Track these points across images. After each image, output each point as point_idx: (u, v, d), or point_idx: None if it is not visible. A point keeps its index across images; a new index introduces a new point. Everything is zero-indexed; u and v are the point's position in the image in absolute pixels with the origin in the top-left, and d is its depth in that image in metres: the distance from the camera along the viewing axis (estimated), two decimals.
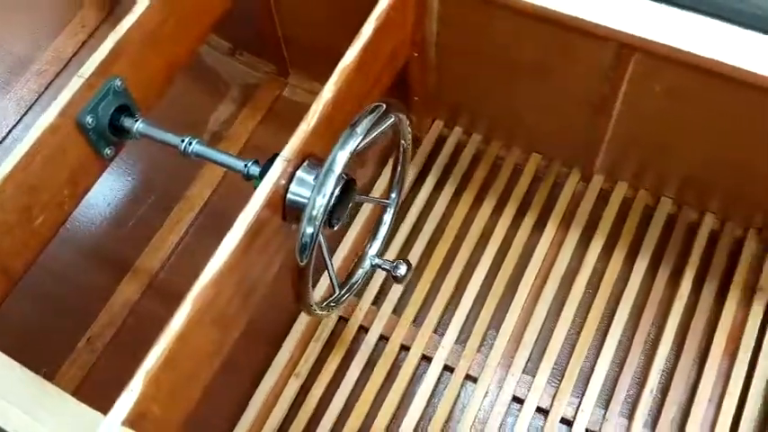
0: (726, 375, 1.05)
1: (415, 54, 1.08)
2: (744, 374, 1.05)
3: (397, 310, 1.15)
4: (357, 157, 0.75)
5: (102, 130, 0.89)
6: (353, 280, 0.91)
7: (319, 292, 1.14)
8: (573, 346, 1.10)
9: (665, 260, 1.15)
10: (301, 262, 0.75)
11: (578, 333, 1.11)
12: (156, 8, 0.91)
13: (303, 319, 1.14)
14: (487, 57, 1.08)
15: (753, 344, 1.07)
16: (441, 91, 1.21)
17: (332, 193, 0.72)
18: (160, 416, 0.70)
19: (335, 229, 0.82)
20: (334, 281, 0.86)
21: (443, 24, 1.05)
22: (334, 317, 1.15)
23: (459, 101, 1.24)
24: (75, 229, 1.23)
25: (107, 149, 0.91)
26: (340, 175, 0.73)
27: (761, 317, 1.08)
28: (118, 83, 0.88)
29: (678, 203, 1.19)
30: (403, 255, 1.20)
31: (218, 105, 1.37)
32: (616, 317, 1.11)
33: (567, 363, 1.08)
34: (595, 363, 1.08)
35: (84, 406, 0.66)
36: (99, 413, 0.65)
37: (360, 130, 0.73)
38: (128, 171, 1.29)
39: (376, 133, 0.81)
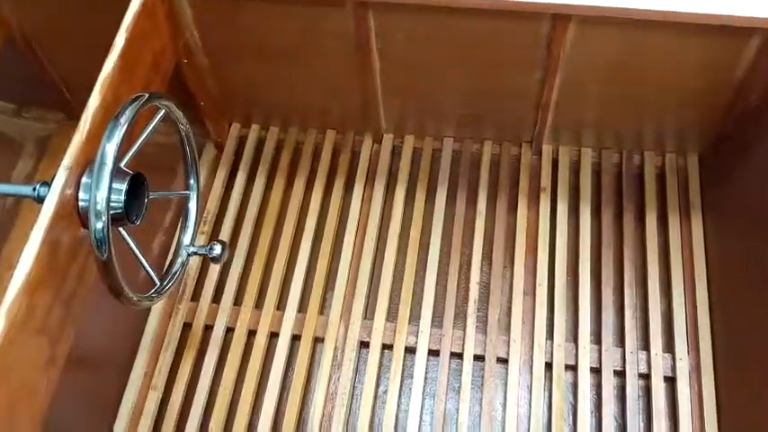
0: (533, 270, 1.20)
1: (185, 60, 1.16)
2: (547, 265, 1.20)
3: (238, 301, 1.21)
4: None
5: None
6: (173, 270, 0.96)
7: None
8: (400, 284, 1.20)
9: (459, 190, 1.29)
10: (102, 256, 0.80)
11: (402, 271, 1.22)
12: None
13: (149, 335, 1.17)
14: (250, 51, 1.17)
15: (548, 237, 1.22)
16: (225, 93, 1.29)
17: (109, 185, 0.77)
18: (3, 429, 0.72)
19: (138, 223, 0.87)
20: (151, 273, 0.91)
21: (202, 28, 1.13)
22: (178, 325, 1.19)
23: (246, 99, 1.33)
24: None
25: None
26: (113, 167, 0.78)
27: (549, 210, 1.24)
28: None
29: (459, 140, 1.34)
30: (230, 248, 1.26)
31: (17, 163, 1.37)
32: (431, 248, 1.23)
33: (399, 299, 1.19)
34: (423, 292, 1.19)
35: None
36: None
37: (123, 119, 0.79)
38: None
39: (151, 127, 0.88)
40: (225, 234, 1.27)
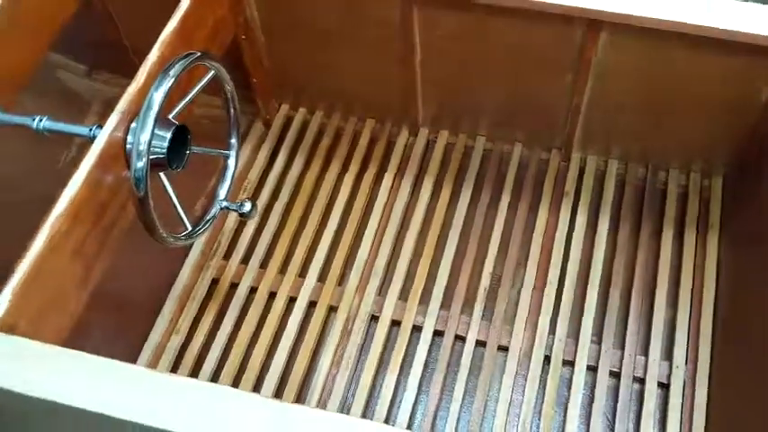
0: (545, 269, 1.24)
1: (243, 37, 1.25)
2: (560, 266, 1.24)
3: (264, 264, 1.29)
4: None
5: None
6: (205, 218, 1.05)
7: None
8: (416, 267, 1.26)
9: (485, 187, 1.34)
10: (139, 193, 0.89)
11: (419, 256, 1.28)
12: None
13: (179, 285, 1.27)
14: (302, 33, 1.26)
15: (564, 240, 1.27)
16: (278, 73, 1.38)
17: (153, 129, 0.86)
18: (30, 333, 0.81)
19: (178, 171, 0.96)
20: (184, 217, 0.99)
21: (260, 7, 1.23)
22: (206, 280, 1.28)
23: (296, 81, 1.42)
24: None
25: None
26: (158, 113, 0.87)
27: (569, 214, 1.29)
28: None
29: (491, 140, 1.39)
30: (263, 218, 1.35)
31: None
32: (449, 238, 1.29)
33: (413, 281, 1.25)
34: (436, 277, 1.25)
35: None
36: None
37: (172, 72, 0.88)
38: None
39: (200, 85, 0.97)
40: (261, 202, 1.36)
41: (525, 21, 1.09)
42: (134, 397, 0.71)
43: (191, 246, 1.30)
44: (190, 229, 1.01)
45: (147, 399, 0.70)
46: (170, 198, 0.98)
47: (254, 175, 1.40)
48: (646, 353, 1.14)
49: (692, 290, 1.19)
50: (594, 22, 1.05)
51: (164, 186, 0.96)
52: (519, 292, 1.22)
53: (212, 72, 0.98)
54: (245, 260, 1.30)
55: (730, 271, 1.17)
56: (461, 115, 1.38)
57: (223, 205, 1.07)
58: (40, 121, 1.00)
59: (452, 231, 1.29)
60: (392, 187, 1.36)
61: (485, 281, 1.23)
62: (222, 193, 1.06)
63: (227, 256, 1.31)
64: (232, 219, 1.34)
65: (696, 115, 1.18)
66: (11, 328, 0.78)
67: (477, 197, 1.33)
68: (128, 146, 0.93)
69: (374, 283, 1.25)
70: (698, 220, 1.25)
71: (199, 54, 0.92)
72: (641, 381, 1.13)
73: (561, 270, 1.23)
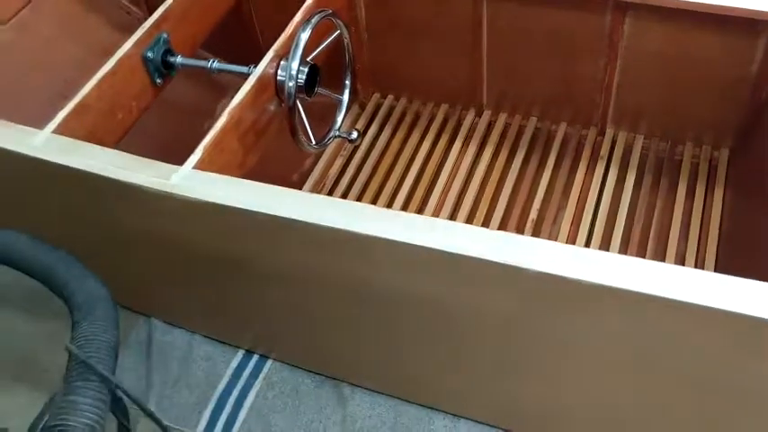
0: (579, 220, 1.55)
1: (353, 28, 1.65)
2: (590, 218, 1.54)
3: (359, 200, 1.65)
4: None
5: (157, 64, 1.41)
6: (325, 139, 1.42)
7: None
8: (474, 214, 1.59)
9: (533, 156, 1.68)
10: (289, 104, 1.27)
11: (477, 207, 1.61)
12: None
13: None
14: (398, 30, 1.65)
15: (596, 196, 1.57)
16: (374, 63, 1.77)
17: (299, 61, 1.25)
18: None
19: (309, 99, 1.34)
20: (310, 133, 1.36)
21: (367, 6, 1.63)
22: None
23: (388, 72, 1.80)
24: None
25: (158, 79, 1.43)
26: (303, 49, 1.25)
27: (603, 171, 1.61)
28: (165, 35, 1.42)
29: (541, 120, 1.73)
30: (358, 169, 1.71)
31: (222, 99, 1.90)
32: (502, 193, 1.61)
33: (472, 223, 1.57)
34: (490, 221, 1.57)
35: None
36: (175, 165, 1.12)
37: (314, 20, 1.27)
38: None
39: (330, 39, 1.36)
40: (356, 161, 1.72)
41: (565, 10, 1.45)
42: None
43: (304, 182, 1.67)
44: (313, 142, 1.38)
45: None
46: (301, 117, 1.35)
47: None
48: None
49: (700, 226, 1.47)
50: (619, 8, 1.40)
51: (298, 109, 1.34)
52: (559, 227, 1.53)
53: (338, 31, 1.37)
54: (344, 196, 1.66)
55: (730, 220, 1.46)
56: (518, 99, 1.73)
57: (337, 133, 1.44)
58: (213, 62, 1.41)
59: (507, 183, 1.62)
60: (459, 152, 1.71)
61: (532, 215, 1.55)
62: (338, 120, 1.43)
63: (331, 192, 1.67)
64: (336, 167, 1.71)
65: (705, 93, 1.50)
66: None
67: (528, 160, 1.67)
68: (279, 76, 1.32)
69: (444, 217, 1.58)
70: (707, 178, 1.55)
71: (330, 11, 1.32)
72: None
73: (593, 212, 1.54)
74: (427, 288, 1.04)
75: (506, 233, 0.92)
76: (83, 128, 1.25)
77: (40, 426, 0.79)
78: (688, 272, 0.85)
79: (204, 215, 1.11)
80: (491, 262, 0.90)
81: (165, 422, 1.36)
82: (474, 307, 1.04)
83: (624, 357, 1.01)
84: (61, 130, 1.21)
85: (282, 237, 1.10)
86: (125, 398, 0.88)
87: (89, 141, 1.19)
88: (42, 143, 1.17)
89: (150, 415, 0.88)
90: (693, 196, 1.53)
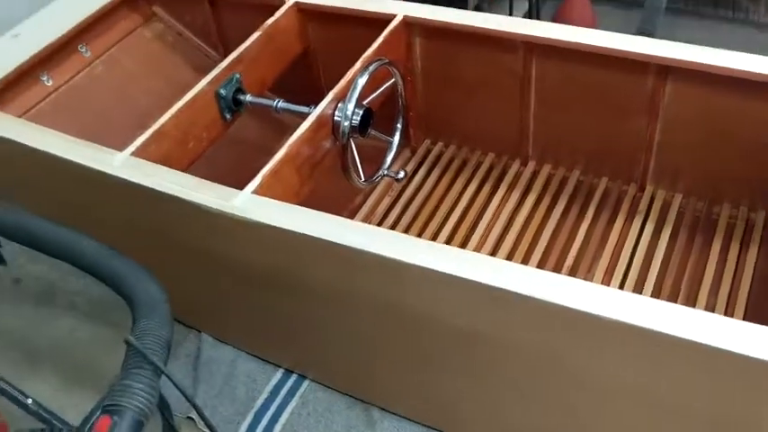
0: (616, 259, 1.60)
1: (408, 78, 1.77)
2: (624, 269, 1.59)
3: None
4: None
5: (228, 101, 1.56)
6: (375, 176, 1.53)
7: None
8: (515, 252, 1.66)
9: (574, 205, 1.74)
10: (342, 141, 1.39)
11: (514, 251, 1.68)
12: (258, 43, 1.62)
13: None
14: (450, 81, 1.76)
15: (631, 248, 1.63)
16: (428, 111, 1.88)
17: (355, 103, 1.37)
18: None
19: (363, 138, 1.45)
20: (360, 170, 1.47)
21: (423, 59, 1.75)
22: None
23: (439, 121, 1.91)
24: None
25: (228, 114, 1.57)
26: (360, 93, 1.38)
27: (640, 225, 1.66)
28: (237, 76, 1.57)
29: (584, 173, 1.80)
30: (405, 207, 1.81)
31: (282, 137, 2.04)
32: (540, 240, 1.68)
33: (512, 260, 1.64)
34: (530, 258, 1.64)
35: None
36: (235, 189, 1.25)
37: (371, 68, 1.40)
38: None
39: (386, 85, 1.49)
40: (403, 201, 1.82)
41: (609, 70, 1.53)
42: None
43: (353, 218, 1.78)
44: (362, 179, 1.49)
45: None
46: (352, 155, 1.47)
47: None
48: None
49: (731, 283, 1.51)
50: (661, 69, 1.48)
51: (350, 148, 1.46)
52: (593, 275, 1.59)
53: (393, 79, 1.49)
54: (392, 228, 1.75)
55: (764, 272, 1.49)
56: (562, 151, 1.81)
57: (385, 172, 1.55)
58: (278, 102, 1.55)
59: (546, 231, 1.69)
60: (502, 199, 1.79)
61: (568, 262, 1.61)
62: (388, 161, 1.54)
63: (380, 223, 1.77)
64: (383, 205, 1.82)
65: (744, 156, 1.55)
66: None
67: (568, 210, 1.73)
68: (336, 116, 1.44)
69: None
70: (742, 238, 1.58)
71: (387, 61, 1.44)
72: None
73: (627, 264, 1.59)
74: (472, 321, 1.14)
75: (555, 274, 1.05)
76: (158, 152, 1.39)
77: (97, 413, 0.90)
78: (716, 318, 0.94)
79: (258, 236, 1.23)
80: (535, 298, 1.00)
81: (204, 429, 1.46)
82: (510, 339, 1.13)
83: (647, 398, 1.07)
84: (139, 153, 1.35)
85: (331, 261, 1.20)
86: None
87: (162, 165, 1.34)
88: (121, 163, 1.32)
89: (194, 405, 0.98)
90: (727, 254, 1.57)
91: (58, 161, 1.36)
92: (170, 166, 1.37)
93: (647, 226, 1.66)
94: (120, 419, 0.84)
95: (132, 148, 1.36)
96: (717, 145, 1.56)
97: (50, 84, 1.75)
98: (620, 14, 2.48)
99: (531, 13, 2.51)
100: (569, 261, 1.62)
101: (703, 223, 1.65)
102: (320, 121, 1.42)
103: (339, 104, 1.45)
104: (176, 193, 1.25)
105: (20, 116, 1.61)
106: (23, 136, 1.42)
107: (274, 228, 1.18)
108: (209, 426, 0.99)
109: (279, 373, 1.56)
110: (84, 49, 1.83)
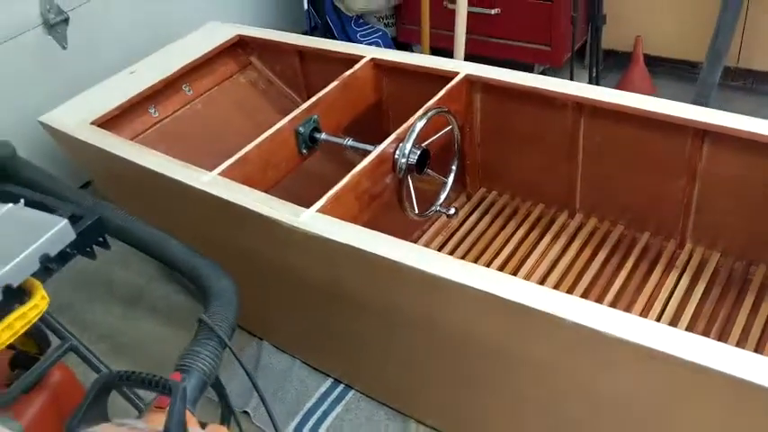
0: (648, 309, 1.70)
1: (468, 128, 1.96)
2: (659, 309, 1.68)
3: None
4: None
5: (305, 138, 1.78)
6: (428, 210, 1.70)
7: None
8: None
9: (615, 256, 1.86)
10: (400, 176, 1.57)
11: (558, 288, 1.80)
12: (334, 91, 1.85)
13: None
14: (505, 136, 1.93)
15: (663, 301, 1.72)
16: (483, 160, 2.06)
17: (413, 143, 1.56)
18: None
19: (419, 175, 1.64)
20: (414, 205, 1.65)
21: (481, 113, 1.93)
22: None
23: (493, 170, 2.08)
24: None
25: (304, 149, 1.79)
26: (418, 135, 1.57)
27: (675, 279, 1.75)
28: (315, 117, 1.80)
29: (627, 227, 1.92)
30: (456, 246, 1.96)
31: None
32: (581, 282, 1.79)
33: None
34: None
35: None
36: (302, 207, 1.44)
37: (430, 114, 1.59)
38: None
39: (444, 131, 1.67)
40: (454, 240, 1.98)
41: (648, 130, 1.67)
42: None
43: None
44: (416, 212, 1.67)
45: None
46: (409, 191, 1.65)
47: (454, 223, 2.04)
48: None
49: (759, 337, 1.58)
50: (698, 132, 1.60)
51: (407, 184, 1.64)
52: None
53: (450, 126, 1.68)
54: None
55: None
56: (607, 206, 1.93)
57: (438, 208, 1.72)
58: (348, 140, 1.76)
59: (585, 277, 1.81)
60: (547, 246, 1.92)
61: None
62: (441, 198, 1.72)
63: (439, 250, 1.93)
64: (436, 243, 1.98)
65: None
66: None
67: (609, 260, 1.85)
68: (396, 153, 1.63)
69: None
70: None
71: (446, 109, 1.63)
72: None
73: (659, 313, 1.68)
74: (524, 347, 1.29)
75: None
76: (241, 175, 1.62)
77: None
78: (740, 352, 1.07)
79: (318, 248, 1.42)
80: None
81: (257, 423, 1.63)
82: (548, 362, 1.27)
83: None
84: (225, 173, 1.58)
85: (384, 278, 1.37)
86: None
87: (243, 185, 1.56)
88: (209, 180, 1.55)
89: (255, 385, 1.16)
90: (758, 311, 1.64)
91: (158, 176, 1.61)
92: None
93: (682, 280, 1.76)
94: (188, 377, 1.03)
95: (219, 169, 1.59)
96: (755, 207, 1.65)
97: (157, 115, 2.03)
98: (678, 87, 2.60)
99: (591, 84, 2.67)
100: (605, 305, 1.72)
101: (738, 281, 1.73)
102: (381, 158, 1.61)
103: (400, 144, 1.64)
104: (252, 207, 1.46)
105: (131, 139, 1.88)
106: (132, 155, 1.68)
107: (331, 240, 1.36)
108: (267, 408, 1.16)
109: (328, 382, 1.72)
110: (187, 89, 2.12)
